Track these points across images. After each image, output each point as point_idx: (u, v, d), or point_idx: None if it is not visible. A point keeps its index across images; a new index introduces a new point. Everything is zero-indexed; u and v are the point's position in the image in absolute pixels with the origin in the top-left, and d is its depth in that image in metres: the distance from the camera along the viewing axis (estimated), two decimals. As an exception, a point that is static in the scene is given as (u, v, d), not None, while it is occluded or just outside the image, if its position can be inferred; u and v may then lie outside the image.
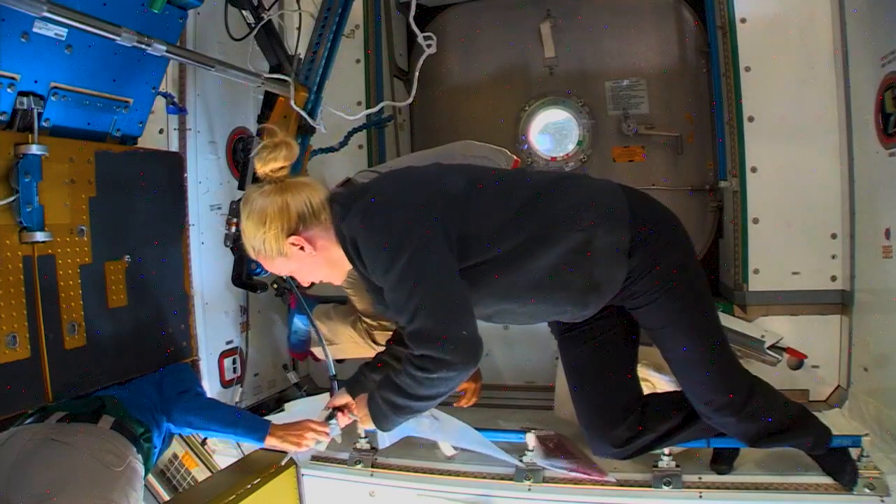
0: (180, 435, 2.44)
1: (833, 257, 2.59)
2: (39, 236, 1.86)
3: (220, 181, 2.74)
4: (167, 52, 1.88)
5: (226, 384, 2.73)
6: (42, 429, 1.79)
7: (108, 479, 1.73)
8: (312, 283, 1.87)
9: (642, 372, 2.24)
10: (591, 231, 1.65)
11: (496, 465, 2.20)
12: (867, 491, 1.88)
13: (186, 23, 2.28)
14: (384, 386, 1.71)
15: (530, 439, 2.16)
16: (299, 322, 2.75)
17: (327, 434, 2.03)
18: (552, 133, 3.74)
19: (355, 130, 2.89)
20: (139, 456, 1.90)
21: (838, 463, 1.94)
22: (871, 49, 2.27)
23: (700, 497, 1.99)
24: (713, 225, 3.33)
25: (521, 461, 2.17)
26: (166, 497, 2.48)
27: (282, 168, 1.68)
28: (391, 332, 2.49)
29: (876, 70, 2.23)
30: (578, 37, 3.59)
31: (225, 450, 2.52)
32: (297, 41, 2.62)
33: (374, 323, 2.49)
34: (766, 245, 2.70)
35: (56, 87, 1.92)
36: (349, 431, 2.46)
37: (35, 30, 1.76)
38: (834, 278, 2.59)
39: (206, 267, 2.63)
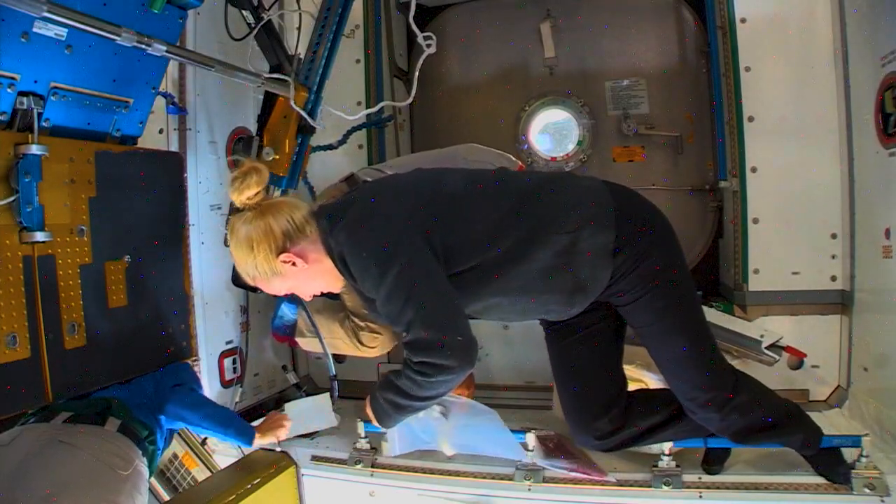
0: (180, 435, 2.44)
1: (833, 257, 2.59)
2: (39, 236, 1.86)
3: (221, 181, 2.74)
4: (167, 52, 1.87)
5: (226, 384, 2.73)
6: (48, 429, 1.79)
7: (114, 483, 1.74)
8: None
9: (636, 372, 2.25)
10: (576, 234, 1.68)
11: (496, 464, 2.20)
12: (867, 491, 1.87)
13: (186, 23, 2.27)
14: (386, 387, 1.75)
15: (530, 439, 2.16)
16: (287, 309, 2.77)
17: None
18: (552, 133, 3.73)
19: (354, 129, 2.89)
20: (144, 458, 1.90)
21: (830, 464, 1.94)
22: (871, 49, 2.27)
23: (700, 497, 1.99)
24: (713, 225, 3.33)
25: (520, 461, 2.16)
26: (166, 497, 2.48)
27: (256, 194, 1.72)
28: (377, 335, 2.50)
29: (876, 70, 2.23)
30: (578, 37, 3.59)
31: (225, 450, 2.52)
32: (297, 41, 2.61)
33: (362, 323, 2.51)
34: (766, 245, 2.70)
35: (56, 87, 1.91)
36: (349, 431, 2.47)
37: (35, 30, 1.76)
38: (834, 278, 2.59)
39: (206, 267, 2.63)
